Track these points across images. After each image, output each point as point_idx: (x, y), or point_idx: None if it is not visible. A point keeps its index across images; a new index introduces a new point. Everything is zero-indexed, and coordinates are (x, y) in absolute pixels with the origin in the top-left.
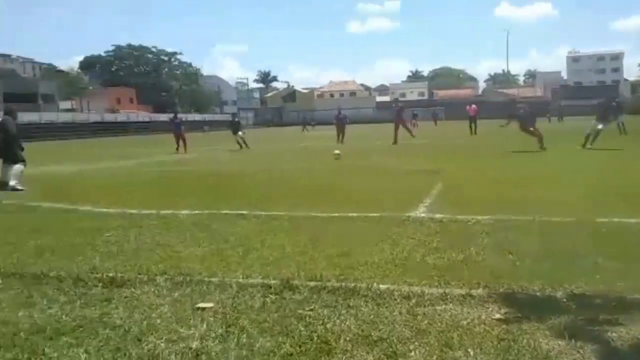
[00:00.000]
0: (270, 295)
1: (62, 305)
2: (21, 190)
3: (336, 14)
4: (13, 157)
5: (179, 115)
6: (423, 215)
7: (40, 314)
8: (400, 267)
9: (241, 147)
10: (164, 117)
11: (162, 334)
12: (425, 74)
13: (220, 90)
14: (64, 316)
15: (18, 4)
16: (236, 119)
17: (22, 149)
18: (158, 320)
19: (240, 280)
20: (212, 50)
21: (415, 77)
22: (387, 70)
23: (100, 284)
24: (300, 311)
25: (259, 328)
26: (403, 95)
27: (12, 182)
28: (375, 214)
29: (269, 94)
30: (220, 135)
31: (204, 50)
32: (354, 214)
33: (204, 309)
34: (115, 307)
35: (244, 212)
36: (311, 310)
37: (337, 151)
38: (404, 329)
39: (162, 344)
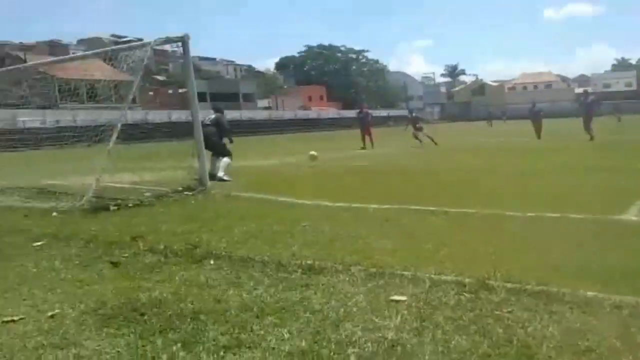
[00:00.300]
0: (465, 294)
1: (266, 287)
2: (228, 181)
3: (529, 1)
4: (222, 151)
5: (365, 109)
6: (636, 218)
7: (247, 294)
8: (609, 274)
9: (421, 142)
10: (351, 113)
11: (358, 322)
12: (633, 62)
13: (406, 85)
14: (268, 297)
15: (222, 12)
16: (413, 114)
17: (232, 141)
18: (354, 309)
19: (433, 276)
20: (398, 47)
21: (621, 65)
22: (589, 60)
23: (300, 270)
24: (497, 312)
25: (454, 325)
26: (607, 85)
27: (220, 174)
28: (578, 216)
29: (456, 88)
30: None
31: (390, 47)
32: (554, 215)
33: (397, 301)
34: (314, 293)
35: (432, 208)
36: (509, 312)
37: (313, 152)
38: (615, 341)
39: (359, 332)
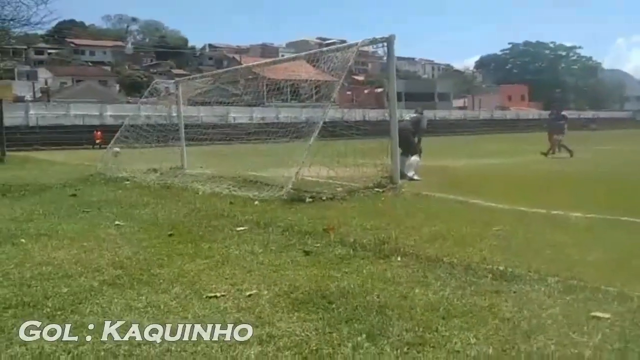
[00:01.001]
0: None
1: (453, 289)
2: (417, 180)
3: None
4: (412, 150)
5: (555, 111)
6: None
7: (434, 294)
8: None
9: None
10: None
11: (551, 335)
12: None
13: (623, 85)
14: (455, 300)
15: (425, 12)
16: (552, 116)
17: (419, 140)
18: (548, 321)
19: None
20: (616, 43)
21: None
22: None
23: (490, 275)
24: None
25: None
26: None
27: (410, 173)
28: None
29: None
30: (611, 135)
31: (606, 43)
32: None
33: (599, 318)
34: (504, 300)
35: None
36: None
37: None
38: None
39: (552, 346)
